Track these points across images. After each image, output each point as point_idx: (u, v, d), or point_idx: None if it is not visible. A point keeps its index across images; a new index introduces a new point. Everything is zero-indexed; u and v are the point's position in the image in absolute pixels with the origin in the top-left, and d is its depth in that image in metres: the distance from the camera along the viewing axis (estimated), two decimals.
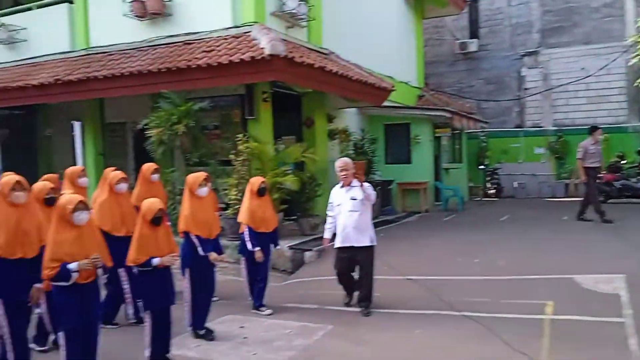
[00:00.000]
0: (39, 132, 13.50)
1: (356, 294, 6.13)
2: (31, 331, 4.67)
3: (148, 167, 6.64)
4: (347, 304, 6.16)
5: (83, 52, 10.69)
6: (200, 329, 5.34)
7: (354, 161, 6.59)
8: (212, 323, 5.57)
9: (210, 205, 5.55)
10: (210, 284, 5.50)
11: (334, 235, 6.06)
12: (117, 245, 5.02)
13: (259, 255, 5.97)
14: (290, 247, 8.43)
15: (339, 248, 5.96)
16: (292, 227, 9.66)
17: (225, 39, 8.96)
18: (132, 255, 4.50)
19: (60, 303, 3.93)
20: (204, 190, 5.32)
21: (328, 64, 9.56)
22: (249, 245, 6.00)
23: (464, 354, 4.79)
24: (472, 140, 18.10)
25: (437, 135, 14.44)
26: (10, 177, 4.26)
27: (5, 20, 11.58)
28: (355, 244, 5.86)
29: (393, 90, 12.02)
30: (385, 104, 12.42)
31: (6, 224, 4.08)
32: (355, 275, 6.11)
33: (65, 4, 11.03)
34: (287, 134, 10.66)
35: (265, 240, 6.13)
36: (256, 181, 6.16)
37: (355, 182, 5.90)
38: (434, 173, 14.38)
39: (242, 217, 6.10)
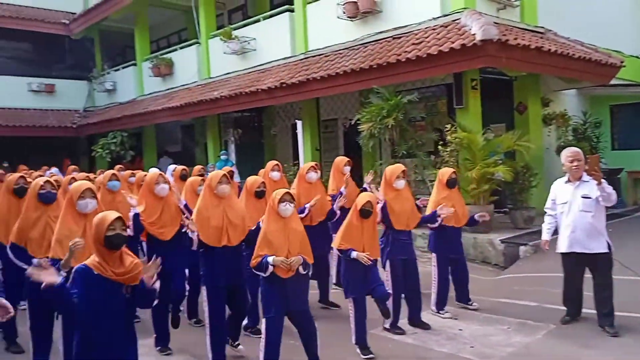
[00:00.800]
0: (265, 130, 15.25)
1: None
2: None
3: (341, 159, 6.86)
4: (567, 323, 5.34)
5: (302, 56, 11.67)
6: (417, 320, 5.46)
7: (588, 155, 5.89)
8: (425, 313, 5.67)
9: (407, 197, 5.52)
10: (410, 276, 5.42)
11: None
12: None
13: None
14: (503, 241, 8.09)
15: (565, 254, 5.23)
16: (503, 220, 9.26)
17: (434, 29, 8.95)
18: (337, 240, 4.77)
19: (263, 292, 4.21)
20: (401, 183, 5.35)
21: (545, 44, 8.88)
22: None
23: None
24: None
25: None
26: (217, 172, 4.77)
27: (238, 33, 13.25)
28: (587, 250, 5.08)
29: (622, 67, 10.62)
30: (612, 82, 11.04)
31: (213, 214, 4.43)
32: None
33: (287, 13, 12.18)
34: (497, 122, 10.20)
35: (455, 235, 5.89)
36: (446, 172, 5.84)
37: (585, 177, 5.13)
38: None
39: (429, 210, 5.81)
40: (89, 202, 3.94)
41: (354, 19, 10.39)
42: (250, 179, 5.37)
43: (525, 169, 9.14)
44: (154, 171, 7.64)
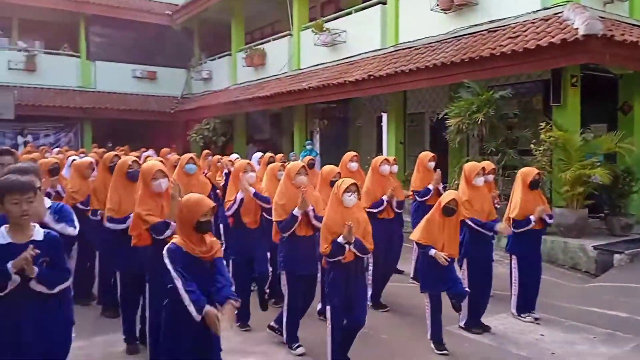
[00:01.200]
0: (349, 122, 15.35)
1: None
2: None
3: (425, 154, 6.77)
4: None
5: (392, 49, 11.61)
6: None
7: None
8: (506, 315, 5.56)
9: (486, 195, 5.39)
10: (484, 277, 5.28)
11: None
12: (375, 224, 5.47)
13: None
14: (596, 247, 7.62)
15: None
16: (597, 226, 8.73)
17: (533, 22, 8.60)
18: (417, 233, 4.72)
19: (329, 280, 4.22)
20: (480, 180, 5.24)
21: None
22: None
23: None
24: None
25: None
26: (296, 162, 4.91)
27: (329, 25, 13.41)
28: None
29: None
30: None
31: (292, 204, 4.57)
32: None
33: (379, 5, 12.16)
34: (598, 122, 9.59)
35: (536, 237, 5.63)
36: (529, 172, 5.57)
37: None
38: None
39: (513, 211, 5.53)
40: (162, 182, 4.17)
41: (447, 12, 10.19)
42: (327, 168, 5.42)
43: (626, 173, 8.55)
44: (235, 157, 7.95)
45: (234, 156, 8.79)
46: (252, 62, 16.53)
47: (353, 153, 6.51)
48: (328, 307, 4.25)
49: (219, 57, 19.02)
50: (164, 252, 3.17)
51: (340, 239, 4.03)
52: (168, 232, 3.97)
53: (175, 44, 20.34)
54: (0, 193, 2.75)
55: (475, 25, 9.76)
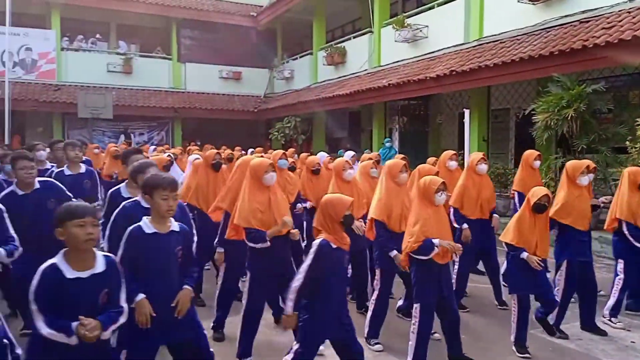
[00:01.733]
0: (429, 119, 15.10)
1: None
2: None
3: (531, 153, 6.51)
4: None
5: (475, 43, 11.33)
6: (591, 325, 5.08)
7: None
8: (595, 319, 5.26)
9: (586, 195, 5.11)
10: (589, 279, 5.06)
11: None
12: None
13: None
14: None
15: None
16: None
17: (629, 12, 8.10)
18: (508, 234, 4.54)
19: (418, 278, 4.16)
20: (585, 179, 4.96)
21: None
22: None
23: None
24: None
25: None
26: (397, 161, 4.87)
27: (410, 20, 13.27)
28: None
29: None
30: None
31: (395, 202, 4.63)
32: None
33: None
34: None
35: None
36: (639, 171, 5.22)
37: None
38: None
39: (621, 213, 5.19)
40: (273, 175, 4.30)
41: (536, 3, 9.79)
42: (425, 168, 5.33)
43: None
44: (324, 155, 8.04)
45: (322, 154, 8.96)
46: (333, 60, 16.69)
47: (452, 152, 6.43)
48: (416, 305, 4.16)
49: (300, 57, 19.38)
50: (317, 245, 3.30)
51: (436, 241, 3.97)
52: (259, 245, 4.04)
53: (259, 44, 20.98)
54: (153, 187, 3.01)
55: (566, 16, 9.31)
